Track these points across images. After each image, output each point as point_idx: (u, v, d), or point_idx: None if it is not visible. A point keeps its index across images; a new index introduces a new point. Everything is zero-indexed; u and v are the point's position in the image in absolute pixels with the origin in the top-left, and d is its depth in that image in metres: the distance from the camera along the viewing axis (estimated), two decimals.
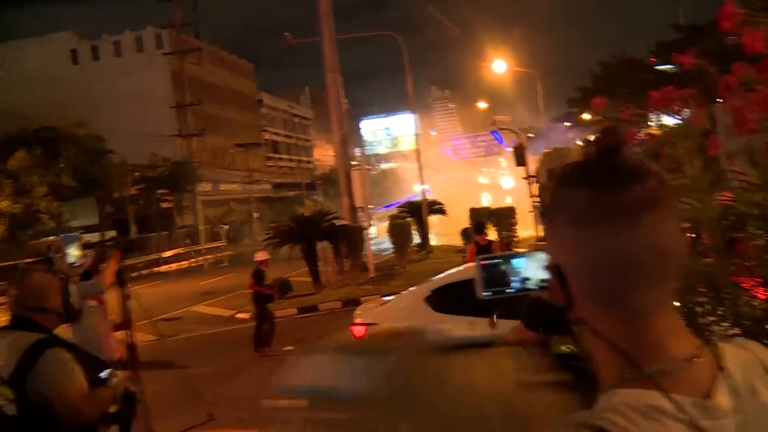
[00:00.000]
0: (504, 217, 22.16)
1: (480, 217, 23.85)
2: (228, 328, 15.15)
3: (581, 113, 60.01)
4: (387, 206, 41.10)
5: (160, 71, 59.93)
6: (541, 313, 1.46)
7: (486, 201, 65.22)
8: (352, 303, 16.27)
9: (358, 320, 7.53)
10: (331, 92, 20.77)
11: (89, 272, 6.64)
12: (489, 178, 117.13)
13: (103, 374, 2.95)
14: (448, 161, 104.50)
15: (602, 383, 0.98)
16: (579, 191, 0.95)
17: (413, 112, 27.00)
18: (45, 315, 2.93)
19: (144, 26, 63.03)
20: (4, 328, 2.96)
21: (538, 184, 4.46)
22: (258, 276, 12.52)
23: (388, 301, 8.22)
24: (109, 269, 6.38)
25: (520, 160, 18.74)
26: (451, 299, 6.87)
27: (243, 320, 16.21)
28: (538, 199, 4.69)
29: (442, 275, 7.95)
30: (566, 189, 0.98)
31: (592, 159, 0.98)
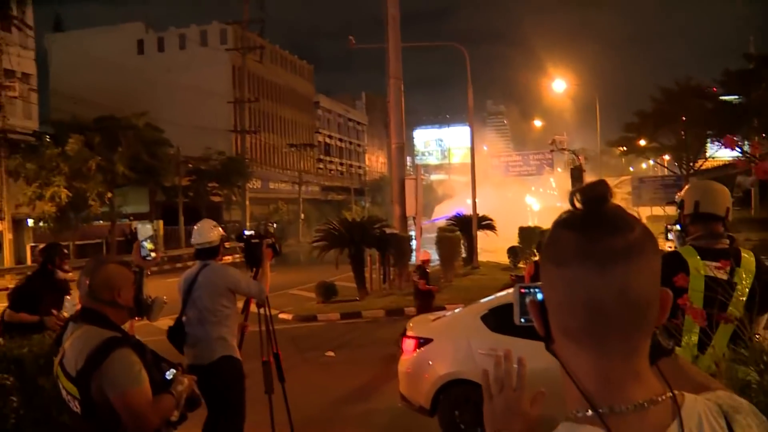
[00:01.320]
0: None
1: (531, 237, 23.51)
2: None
3: (638, 139, 58.99)
4: (436, 219, 40.76)
5: (221, 66, 60.86)
6: None
7: (532, 220, 64.49)
8: (396, 313, 16.13)
9: (410, 333, 7.31)
10: (392, 99, 20.64)
11: (213, 250, 5.43)
12: (537, 197, 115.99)
13: (168, 375, 2.82)
14: (498, 177, 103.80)
15: (566, 414, 1.08)
16: (565, 233, 1.04)
17: (471, 125, 26.70)
18: (116, 309, 2.82)
19: (209, 21, 64.10)
20: (75, 319, 2.85)
21: (680, 212, 4.24)
22: (423, 274, 12.76)
23: (442, 315, 7.97)
24: (266, 270, 5.57)
25: (577, 182, 18.33)
26: (508, 319, 6.60)
27: (285, 320, 16.16)
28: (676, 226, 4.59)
29: (499, 294, 7.65)
30: (557, 230, 1.07)
31: (582, 205, 1.06)
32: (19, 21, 34.08)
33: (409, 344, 7.17)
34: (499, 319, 6.67)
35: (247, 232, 5.92)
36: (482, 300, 7.58)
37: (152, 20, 68.69)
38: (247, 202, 50.79)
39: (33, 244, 33.18)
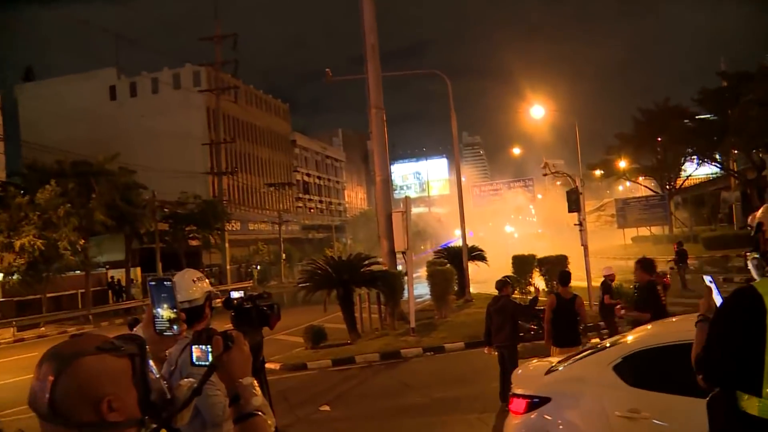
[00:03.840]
0: (555, 265, 20.78)
1: (526, 265, 22.55)
2: None
3: (618, 161, 58.94)
4: (424, 253, 39.85)
5: (195, 109, 59.99)
6: None
7: (513, 248, 63.69)
8: (392, 356, 15.06)
9: (519, 390, 5.87)
10: (374, 130, 19.79)
11: (196, 311, 3.84)
12: (517, 225, 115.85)
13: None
14: (479, 207, 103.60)
15: None
16: None
17: (456, 154, 25.91)
18: (114, 429, 1.56)
19: (182, 64, 63.29)
20: None
21: (758, 236, 3.77)
22: (607, 289, 12.57)
23: (559, 367, 6.18)
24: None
25: (574, 205, 17.49)
26: (651, 370, 5.16)
27: (272, 371, 14.94)
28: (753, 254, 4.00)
29: (635, 336, 5.96)
30: None
31: None
32: None
33: (518, 404, 5.71)
34: (639, 370, 5.20)
35: (234, 295, 4.42)
36: (608, 344, 6.02)
37: (124, 66, 67.61)
38: (227, 245, 49.60)
39: (1, 299, 31.69)
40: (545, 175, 19.37)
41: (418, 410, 10.12)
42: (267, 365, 14.97)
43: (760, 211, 3.18)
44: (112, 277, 40.68)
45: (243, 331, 3.97)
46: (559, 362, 6.28)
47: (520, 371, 6.64)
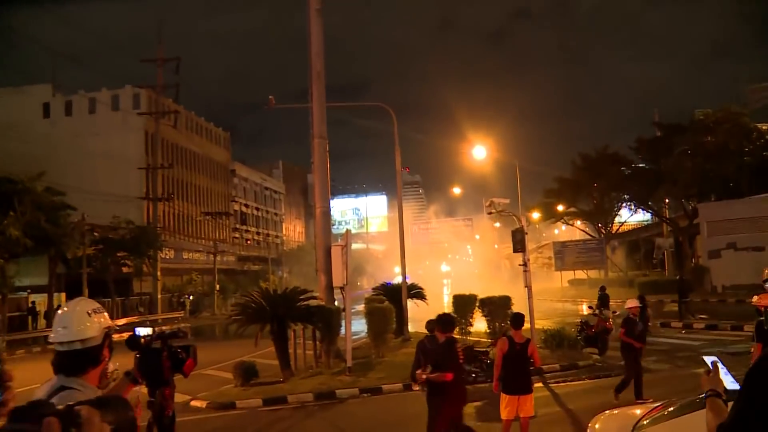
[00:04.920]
0: (498, 306, 20.46)
1: (467, 304, 22.07)
2: (182, 419, 12.90)
3: (557, 204, 59.76)
4: (361, 292, 39.14)
5: (133, 131, 58.44)
6: None
7: (450, 288, 63.73)
8: (327, 396, 14.28)
9: None
10: (316, 160, 19.20)
11: (90, 354, 2.87)
12: (453, 265, 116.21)
13: None
14: (417, 245, 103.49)
15: None
16: None
17: (399, 188, 25.50)
18: None
19: (122, 85, 61.66)
20: None
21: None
22: (629, 325, 11.98)
23: (645, 422, 4.84)
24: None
25: (519, 245, 17.18)
26: None
27: (198, 409, 13.93)
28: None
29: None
30: None
31: None
32: None
33: None
34: None
35: (141, 332, 3.51)
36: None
37: (60, 83, 65.44)
38: (159, 273, 47.95)
39: None
40: (490, 213, 18.98)
41: None
42: (193, 403, 14.04)
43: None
44: (32, 302, 38.63)
45: (148, 379, 3.16)
46: (644, 416, 5.04)
47: (600, 419, 5.53)
